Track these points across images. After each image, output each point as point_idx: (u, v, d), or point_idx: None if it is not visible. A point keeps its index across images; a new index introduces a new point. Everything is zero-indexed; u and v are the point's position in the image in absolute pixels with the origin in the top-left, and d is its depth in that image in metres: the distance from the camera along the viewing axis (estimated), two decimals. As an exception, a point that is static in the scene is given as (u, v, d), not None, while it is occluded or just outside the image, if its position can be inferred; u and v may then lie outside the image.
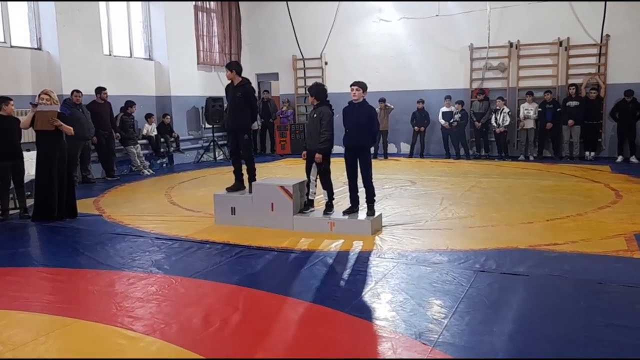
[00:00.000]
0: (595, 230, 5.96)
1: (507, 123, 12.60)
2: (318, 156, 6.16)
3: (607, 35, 12.28)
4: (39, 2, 10.28)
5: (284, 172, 11.25)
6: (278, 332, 3.62)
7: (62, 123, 6.84)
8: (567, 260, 4.98)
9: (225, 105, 13.18)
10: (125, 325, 3.70)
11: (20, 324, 3.83)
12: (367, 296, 4.18)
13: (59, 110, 6.99)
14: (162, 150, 12.63)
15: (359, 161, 6.25)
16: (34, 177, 7.22)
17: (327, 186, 6.38)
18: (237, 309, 4.02)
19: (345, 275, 4.76)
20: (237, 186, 6.97)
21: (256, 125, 13.97)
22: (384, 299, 4.10)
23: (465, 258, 5.05)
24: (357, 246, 5.57)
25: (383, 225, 6.36)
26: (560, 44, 12.69)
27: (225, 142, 14.09)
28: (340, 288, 4.47)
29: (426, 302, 4.01)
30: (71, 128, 7.02)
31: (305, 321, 3.82)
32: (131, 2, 12.58)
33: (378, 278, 4.58)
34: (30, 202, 7.40)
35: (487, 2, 13.05)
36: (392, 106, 13.01)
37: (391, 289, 4.31)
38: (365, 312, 3.86)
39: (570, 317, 3.73)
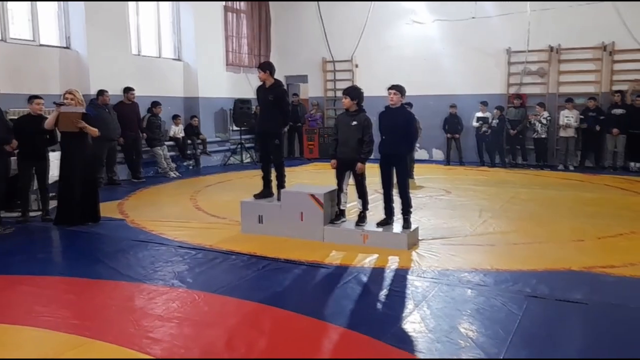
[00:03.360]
0: (654, 251, 5.46)
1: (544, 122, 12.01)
2: (361, 166, 5.79)
3: (656, 40, 11.63)
4: (69, 2, 10.15)
5: (311, 177, 10.90)
6: (309, 362, 3.26)
7: (86, 125, 6.60)
8: (627, 285, 4.51)
9: (254, 107, 13.01)
10: (143, 349, 3.38)
11: (30, 343, 3.55)
12: (408, 322, 3.78)
13: (84, 111, 6.76)
14: (188, 152, 12.40)
15: (395, 170, 5.86)
16: (57, 179, 7.01)
17: (362, 195, 6.00)
18: (263, 333, 3.66)
19: (382, 296, 4.37)
20: (265, 193, 6.63)
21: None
22: (426, 327, 3.69)
23: (513, 280, 4.61)
24: (393, 262, 5.18)
25: (419, 238, 5.95)
26: (605, 48, 12.06)
27: (253, 145, 13.89)
28: (377, 311, 4.08)
29: (475, 333, 3.59)
30: (96, 130, 6.78)
31: (339, 350, 3.44)
32: (161, 2, 12.40)
33: (418, 301, 4.18)
34: (53, 203, 7.19)
35: (527, 3, 12.50)
36: (420, 126, 10.52)
37: (434, 315, 3.90)
38: (406, 343, 3.46)
39: (637, 353, 3.29)
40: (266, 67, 6.54)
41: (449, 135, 12.92)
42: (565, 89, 12.55)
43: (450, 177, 10.92)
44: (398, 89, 5.86)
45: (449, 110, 12.92)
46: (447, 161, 13.11)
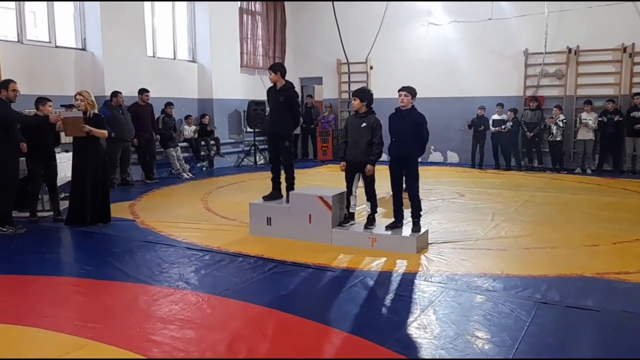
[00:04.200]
0: (672, 258, 5.30)
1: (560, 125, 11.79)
2: (371, 168, 5.71)
3: (677, 41, 11.36)
4: (85, 3, 10.25)
5: (324, 179, 10.84)
6: (310, 368, 3.20)
7: (91, 128, 6.59)
8: (642, 293, 4.38)
9: (267, 109, 12.98)
10: (142, 351, 3.35)
11: (30, 344, 3.55)
12: (412, 328, 3.70)
13: (81, 115, 6.67)
14: (202, 153, 12.43)
15: (405, 173, 5.78)
16: (70, 179, 7.06)
17: (371, 198, 5.92)
18: (266, 337, 3.62)
19: (388, 300, 4.29)
20: (274, 195, 6.60)
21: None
22: (431, 333, 3.61)
23: (524, 286, 4.50)
24: (401, 266, 5.10)
25: (429, 242, 5.85)
26: (625, 50, 11.82)
27: (266, 146, 13.87)
28: (382, 316, 4.00)
29: (480, 339, 3.50)
30: (105, 131, 6.80)
31: (342, 356, 3.38)
32: (176, 4, 12.47)
33: (424, 306, 4.10)
34: (64, 204, 7.24)
35: (545, 4, 12.30)
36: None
37: (439, 321, 3.81)
38: (409, 349, 3.38)
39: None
40: (277, 69, 6.50)
41: (474, 138, 12.68)
42: (583, 91, 12.33)
43: (465, 180, 10.77)
44: (409, 91, 5.77)
45: (477, 112, 12.56)
46: (473, 164, 12.79)
